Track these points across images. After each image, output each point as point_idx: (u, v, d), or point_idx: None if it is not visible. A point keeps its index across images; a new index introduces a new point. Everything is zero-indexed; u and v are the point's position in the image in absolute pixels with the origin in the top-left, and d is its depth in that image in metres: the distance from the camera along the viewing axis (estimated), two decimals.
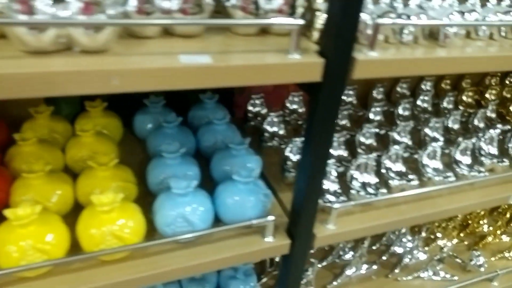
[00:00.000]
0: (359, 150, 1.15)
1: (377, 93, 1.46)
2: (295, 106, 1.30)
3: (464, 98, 1.60)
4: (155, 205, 0.82)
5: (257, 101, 1.26)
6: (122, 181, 0.87)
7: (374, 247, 1.52)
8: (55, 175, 0.86)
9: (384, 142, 1.23)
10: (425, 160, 1.12)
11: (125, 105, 1.16)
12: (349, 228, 0.94)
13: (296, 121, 1.27)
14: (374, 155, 1.01)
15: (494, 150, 1.25)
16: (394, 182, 1.04)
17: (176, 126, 1.02)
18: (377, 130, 1.20)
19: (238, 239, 0.86)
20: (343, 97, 1.41)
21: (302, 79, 0.67)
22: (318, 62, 0.66)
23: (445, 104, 1.49)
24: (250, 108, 1.26)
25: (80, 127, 0.95)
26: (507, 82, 1.71)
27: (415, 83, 1.60)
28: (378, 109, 1.33)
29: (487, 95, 1.65)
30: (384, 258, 1.47)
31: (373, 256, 1.48)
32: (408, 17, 0.80)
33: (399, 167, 1.08)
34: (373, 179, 1.02)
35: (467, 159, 1.18)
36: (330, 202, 0.93)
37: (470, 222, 1.66)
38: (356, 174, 1.01)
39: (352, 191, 0.99)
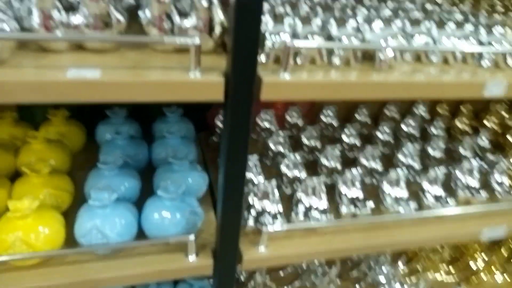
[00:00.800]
0: (319, 172, 1.12)
1: (359, 115, 1.42)
2: (266, 124, 1.28)
3: (458, 124, 1.52)
4: (76, 215, 0.83)
5: None
6: (55, 189, 0.88)
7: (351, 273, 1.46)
8: None
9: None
10: (386, 187, 1.06)
11: (92, 115, 1.19)
12: (283, 253, 0.90)
13: (263, 138, 1.25)
14: (322, 178, 0.97)
15: (473, 182, 1.17)
16: (343, 209, 0.99)
17: (127, 138, 1.03)
18: (339, 153, 1.14)
19: (161, 256, 0.85)
20: (322, 118, 1.38)
21: (204, 98, 0.66)
22: (218, 81, 0.65)
23: (432, 130, 1.42)
24: (218, 123, 1.25)
25: (32, 134, 0.98)
26: None
27: (408, 106, 1.54)
28: (352, 131, 1.28)
29: (486, 123, 1.56)
30: (358, 286, 1.40)
31: (348, 283, 1.42)
32: (339, 40, 0.77)
33: (356, 192, 1.03)
34: (321, 204, 0.98)
35: (436, 189, 1.11)
36: (260, 224, 0.90)
37: (465, 255, 1.56)
38: (302, 197, 0.97)
39: (293, 214, 0.95)
